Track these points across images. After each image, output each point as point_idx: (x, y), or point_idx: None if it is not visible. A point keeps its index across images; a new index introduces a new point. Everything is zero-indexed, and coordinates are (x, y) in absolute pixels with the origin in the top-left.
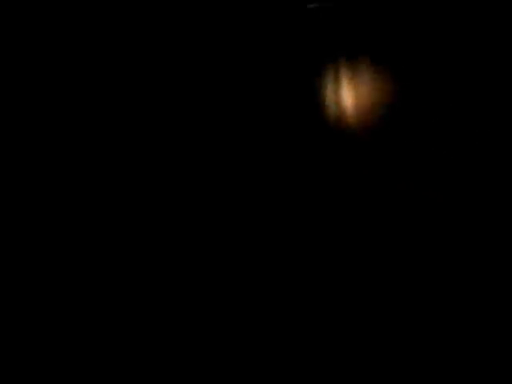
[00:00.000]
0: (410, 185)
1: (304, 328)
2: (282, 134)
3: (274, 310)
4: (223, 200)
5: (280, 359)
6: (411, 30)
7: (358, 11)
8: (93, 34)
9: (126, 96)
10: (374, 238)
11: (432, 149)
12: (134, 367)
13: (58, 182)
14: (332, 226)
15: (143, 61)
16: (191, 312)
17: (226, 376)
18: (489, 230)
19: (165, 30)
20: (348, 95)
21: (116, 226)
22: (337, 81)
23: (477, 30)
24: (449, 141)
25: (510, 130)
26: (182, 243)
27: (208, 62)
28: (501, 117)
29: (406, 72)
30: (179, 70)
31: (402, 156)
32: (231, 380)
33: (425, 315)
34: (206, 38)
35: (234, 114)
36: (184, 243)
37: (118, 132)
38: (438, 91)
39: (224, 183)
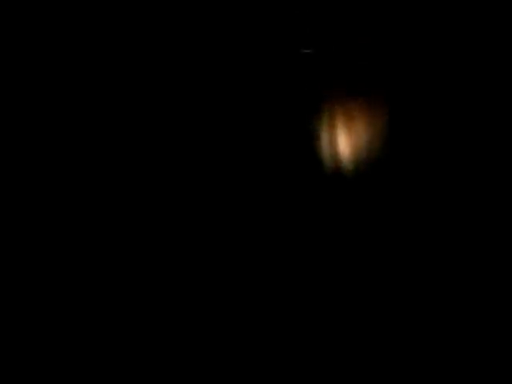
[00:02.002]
0: (406, 228)
1: (301, 327)
2: (278, 178)
3: (268, 306)
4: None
5: (278, 358)
6: (406, 73)
7: (351, 57)
8: (93, 34)
9: (122, 97)
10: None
11: (427, 192)
12: (134, 367)
13: (58, 181)
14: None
15: (140, 63)
16: (187, 310)
17: (225, 376)
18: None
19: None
20: (342, 138)
21: (115, 226)
22: (331, 123)
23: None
24: (444, 184)
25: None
26: (172, 239)
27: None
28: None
29: (399, 115)
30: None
31: (396, 199)
32: (231, 380)
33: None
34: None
35: (231, 155)
36: (176, 239)
37: (117, 132)
38: (432, 132)
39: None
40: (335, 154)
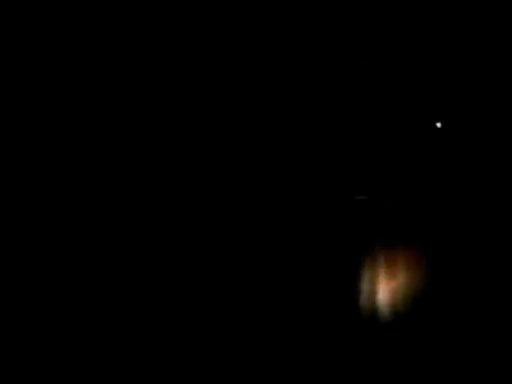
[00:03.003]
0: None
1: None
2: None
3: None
4: None
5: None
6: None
7: (400, 205)
8: (93, 34)
9: (134, 96)
10: None
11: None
12: (133, 367)
13: (58, 181)
14: None
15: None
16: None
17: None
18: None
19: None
20: (384, 283)
21: (116, 225)
22: (374, 267)
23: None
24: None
25: None
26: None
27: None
28: None
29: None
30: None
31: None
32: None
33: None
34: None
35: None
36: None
37: (119, 132)
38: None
39: None
40: (375, 298)
